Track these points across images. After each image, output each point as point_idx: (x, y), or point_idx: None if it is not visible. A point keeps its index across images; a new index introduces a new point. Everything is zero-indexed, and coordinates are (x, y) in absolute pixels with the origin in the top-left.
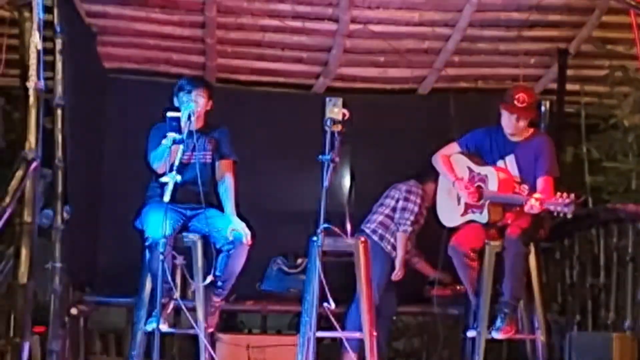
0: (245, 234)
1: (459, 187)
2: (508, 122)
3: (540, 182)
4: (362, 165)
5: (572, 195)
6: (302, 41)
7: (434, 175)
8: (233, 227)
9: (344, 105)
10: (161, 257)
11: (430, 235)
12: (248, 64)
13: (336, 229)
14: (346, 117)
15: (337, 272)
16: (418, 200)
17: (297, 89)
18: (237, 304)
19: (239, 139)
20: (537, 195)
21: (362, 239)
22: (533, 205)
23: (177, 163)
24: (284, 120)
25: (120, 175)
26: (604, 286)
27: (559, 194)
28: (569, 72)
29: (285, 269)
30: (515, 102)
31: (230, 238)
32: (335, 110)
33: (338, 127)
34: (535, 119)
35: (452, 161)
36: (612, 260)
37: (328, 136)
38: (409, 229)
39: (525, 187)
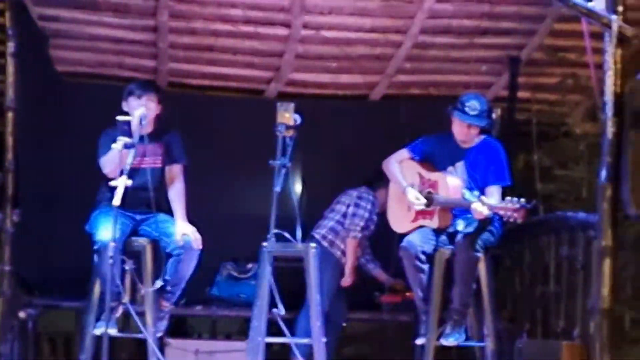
0: (195, 238)
1: (410, 195)
2: (459, 129)
3: (489, 189)
4: (313, 171)
5: (522, 201)
6: (254, 46)
7: (385, 181)
8: (183, 232)
9: (296, 111)
10: (110, 261)
11: (382, 241)
12: (200, 68)
13: (286, 235)
14: (297, 123)
15: (287, 278)
16: (369, 206)
17: (248, 94)
18: (186, 309)
19: (190, 143)
20: (485, 200)
21: (312, 245)
22: (481, 210)
23: (127, 167)
24: (235, 125)
25: (73, 179)
26: (554, 294)
27: (508, 199)
28: (521, 79)
29: (235, 274)
30: (467, 109)
31: (180, 243)
32: (287, 116)
33: (289, 133)
34: (486, 127)
35: (403, 167)
36: (563, 268)
37: (279, 141)
38: (359, 235)
39: (476, 193)
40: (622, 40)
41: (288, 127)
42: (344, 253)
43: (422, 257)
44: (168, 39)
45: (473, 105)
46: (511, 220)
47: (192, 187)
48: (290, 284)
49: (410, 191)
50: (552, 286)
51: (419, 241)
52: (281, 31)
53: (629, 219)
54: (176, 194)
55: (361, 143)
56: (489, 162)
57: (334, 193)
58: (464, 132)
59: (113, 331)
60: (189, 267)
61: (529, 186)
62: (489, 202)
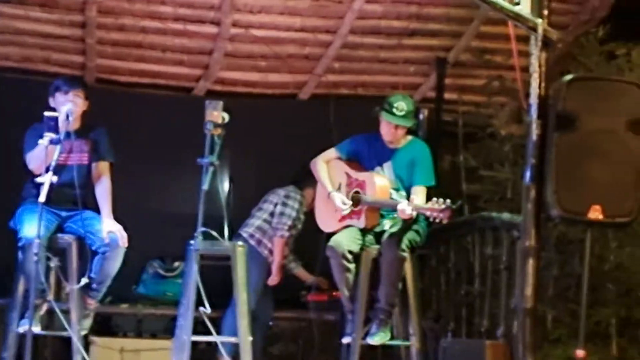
0: (122, 236)
1: (336, 200)
2: (386, 129)
3: (415, 189)
4: (241, 170)
5: (448, 201)
6: (183, 44)
7: (313, 180)
8: (109, 229)
9: (224, 109)
10: (35, 258)
11: (309, 240)
12: (128, 65)
13: (214, 233)
14: (226, 121)
15: (214, 276)
16: (296, 206)
17: (177, 91)
18: (112, 307)
19: (118, 140)
20: (410, 200)
21: (240, 243)
22: (406, 210)
23: (53, 164)
24: (163, 122)
25: None
26: (478, 293)
27: (434, 199)
28: (448, 81)
29: (162, 272)
30: (394, 109)
31: (106, 240)
32: (215, 114)
33: (218, 131)
34: (413, 127)
35: (331, 167)
36: (487, 268)
37: (208, 139)
38: (286, 234)
39: (403, 193)
40: (547, 43)
41: (216, 126)
42: (271, 252)
43: (349, 256)
44: (96, 35)
45: (400, 106)
46: (437, 220)
47: (119, 184)
48: (217, 282)
49: (336, 196)
50: (477, 286)
51: (345, 241)
52: (210, 29)
53: (552, 220)
54: (103, 191)
55: (290, 142)
56: (416, 163)
57: (262, 192)
58: (391, 132)
59: (37, 329)
60: (114, 264)
61: (454, 186)
62: (416, 203)
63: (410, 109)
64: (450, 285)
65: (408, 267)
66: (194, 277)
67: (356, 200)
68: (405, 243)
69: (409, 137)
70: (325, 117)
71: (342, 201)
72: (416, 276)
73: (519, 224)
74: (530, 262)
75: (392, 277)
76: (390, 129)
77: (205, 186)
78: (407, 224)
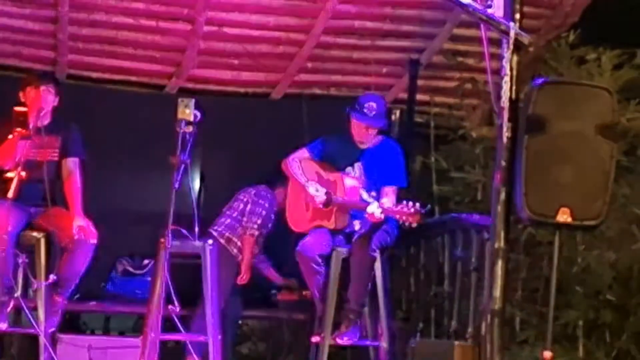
0: (91, 232)
1: (311, 188)
2: (357, 129)
3: (385, 190)
4: (212, 168)
5: (417, 205)
6: (155, 41)
7: (284, 180)
8: (78, 226)
9: (197, 107)
10: (2, 254)
11: (279, 239)
12: (100, 61)
13: (184, 231)
14: (198, 119)
15: (183, 275)
16: (266, 205)
17: (149, 88)
18: (80, 304)
19: (89, 137)
20: (380, 203)
21: (209, 241)
22: (375, 212)
23: (23, 160)
24: (135, 119)
25: None
26: (447, 294)
27: (404, 202)
28: (420, 82)
29: (131, 269)
30: (365, 110)
31: (75, 237)
32: (187, 112)
33: (189, 129)
34: (384, 128)
35: (302, 167)
36: (457, 269)
37: (179, 137)
38: (256, 232)
39: (373, 194)
40: (518, 47)
41: (188, 123)
42: (240, 250)
43: (318, 259)
44: (68, 31)
45: (371, 106)
46: (406, 224)
47: (89, 181)
48: (187, 280)
49: (311, 184)
50: (446, 286)
51: (314, 244)
52: (184, 26)
53: (521, 222)
54: (72, 188)
55: (261, 141)
56: (386, 163)
57: (233, 190)
58: (362, 132)
59: (4, 326)
60: (83, 261)
61: (425, 188)
62: (385, 206)
63: (381, 109)
64: (419, 285)
65: (378, 268)
66: (163, 275)
67: (327, 201)
68: (375, 244)
69: (380, 138)
70: (297, 116)
71: (315, 189)
72: (386, 276)
73: (489, 225)
74: (500, 264)
75: (362, 277)
76: (360, 129)
77: (176, 184)
78: (377, 225)
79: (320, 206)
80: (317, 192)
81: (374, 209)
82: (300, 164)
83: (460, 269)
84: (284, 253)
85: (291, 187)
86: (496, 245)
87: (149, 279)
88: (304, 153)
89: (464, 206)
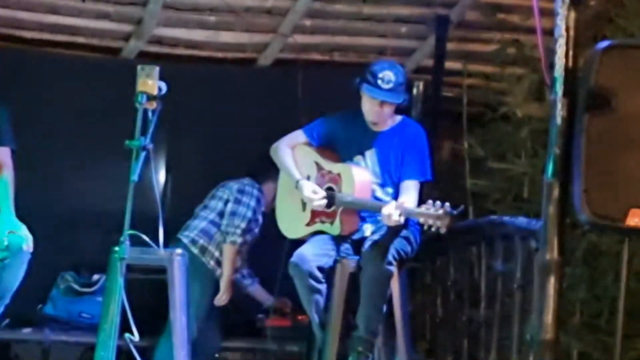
0: (26, 238)
1: (305, 189)
2: (370, 107)
3: (405, 185)
4: (182, 155)
5: (447, 205)
6: None
7: (274, 171)
8: (10, 230)
9: (161, 77)
10: None
11: (268, 249)
12: (37, 17)
13: (145, 237)
14: (163, 92)
15: (144, 294)
16: (252, 203)
17: (101, 53)
18: (11, 332)
19: (21, 118)
20: (398, 202)
21: (179, 251)
22: (392, 214)
23: None
24: (83, 93)
25: None
26: (484, 320)
27: (430, 202)
28: (450, 45)
29: (77, 287)
30: (379, 82)
31: (6, 243)
32: (150, 83)
33: (152, 105)
34: (404, 105)
35: (297, 154)
36: (496, 287)
37: (139, 115)
38: (240, 239)
39: (389, 190)
40: (577, 1)
41: (150, 98)
42: (218, 263)
43: (318, 274)
44: None
45: (387, 76)
46: (432, 229)
47: (22, 175)
48: (149, 301)
49: (306, 185)
50: (483, 310)
51: (313, 255)
52: None
53: (580, 227)
54: (2, 185)
55: (246, 121)
56: (406, 151)
57: (208, 185)
58: (375, 111)
59: None
60: (16, 275)
61: (456, 182)
62: (405, 205)
63: (400, 81)
64: (448, 308)
65: (395, 285)
66: (118, 294)
67: (330, 200)
68: (392, 254)
69: (398, 117)
70: (291, 89)
71: (312, 190)
72: (406, 297)
73: (538, 231)
74: (552, 281)
75: (375, 297)
76: (374, 106)
77: (134, 177)
78: (394, 229)
79: (322, 204)
80: (315, 195)
81: (391, 210)
82: (293, 152)
83: (500, 287)
84: (274, 266)
85: (282, 180)
86: (547, 257)
87: (100, 299)
88: (299, 137)
89: (505, 206)
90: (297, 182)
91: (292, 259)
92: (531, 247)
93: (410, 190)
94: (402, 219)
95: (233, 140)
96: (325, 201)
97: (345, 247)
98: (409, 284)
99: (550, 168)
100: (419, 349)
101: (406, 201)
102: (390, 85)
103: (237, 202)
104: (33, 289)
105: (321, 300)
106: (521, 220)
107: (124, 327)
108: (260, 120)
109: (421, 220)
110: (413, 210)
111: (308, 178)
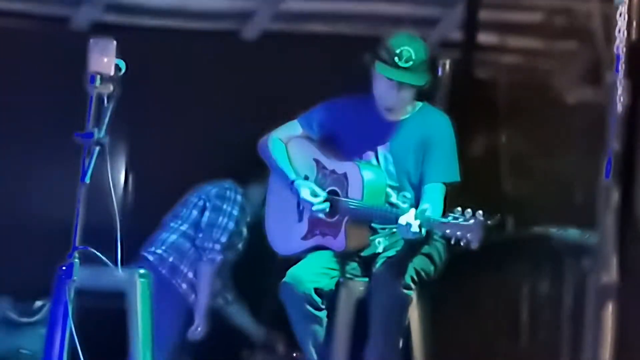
0: None
1: (303, 191)
2: (384, 91)
3: (428, 189)
4: (146, 151)
5: (479, 213)
6: None
7: (262, 171)
8: None
9: (120, 54)
10: None
11: (254, 268)
12: None
13: (99, 254)
14: (122, 72)
15: (99, 324)
16: (235, 212)
17: (45, 22)
18: None
19: None
20: (419, 210)
21: (142, 271)
22: (412, 225)
23: None
24: (21, 73)
25: None
26: (526, 354)
27: (458, 210)
28: (483, 14)
29: (15, 317)
30: (396, 59)
31: None
32: (105, 60)
33: (108, 88)
34: (426, 88)
35: (292, 150)
36: (541, 314)
37: (92, 102)
38: (219, 257)
39: (408, 195)
40: None
41: (105, 79)
42: (192, 286)
43: (317, 299)
44: None
45: (406, 53)
46: (462, 243)
47: None
48: (104, 334)
49: (303, 186)
50: (524, 342)
51: (310, 274)
52: None
53: None
54: None
55: (225, 106)
56: (430, 145)
57: (178, 189)
58: (391, 95)
59: None
60: None
61: (490, 185)
62: (428, 214)
63: (422, 58)
64: (482, 341)
65: (414, 313)
66: (67, 324)
67: (333, 207)
68: (410, 275)
69: (419, 104)
70: (284, 67)
71: (312, 193)
72: (428, 327)
73: (593, 246)
74: (609, 308)
75: (389, 329)
76: (389, 90)
77: (86, 178)
78: (414, 244)
79: (322, 215)
80: (315, 198)
81: (410, 220)
82: (287, 147)
83: (547, 315)
84: (262, 290)
85: (273, 183)
86: (605, 279)
87: (43, 331)
88: (294, 129)
89: (552, 214)
90: (292, 182)
91: (285, 279)
92: (584, 267)
93: (433, 195)
94: (423, 231)
95: (210, 134)
96: (327, 204)
97: (352, 266)
98: (432, 311)
99: (608, 167)
100: None
101: (428, 209)
102: (410, 64)
103: (216, 210)
104: None
105: (320, 331)
106: (572, 233)
107: None
108: (244, 108)
109: (447, 232)
110: (437, 220)
111: (306, 179)
